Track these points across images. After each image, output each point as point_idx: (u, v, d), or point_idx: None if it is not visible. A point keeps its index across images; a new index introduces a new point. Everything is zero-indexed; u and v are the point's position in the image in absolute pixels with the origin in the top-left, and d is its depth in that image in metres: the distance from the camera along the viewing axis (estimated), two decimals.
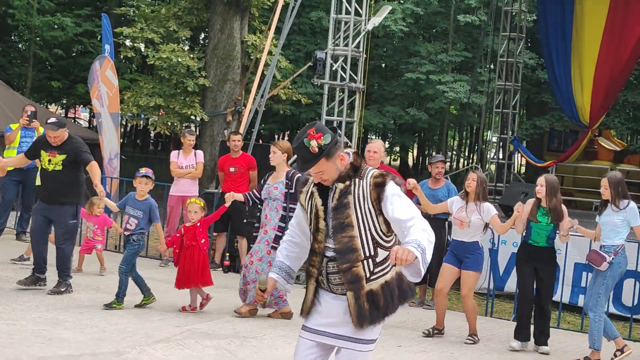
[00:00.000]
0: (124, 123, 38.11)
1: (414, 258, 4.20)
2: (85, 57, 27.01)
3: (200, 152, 12.97)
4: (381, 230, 4.56)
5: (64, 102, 34.75)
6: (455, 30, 24.54)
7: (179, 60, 18.75)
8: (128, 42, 23.04)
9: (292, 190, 9.06)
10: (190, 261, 9.07)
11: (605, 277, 8.39)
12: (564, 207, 8.64)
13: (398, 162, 41.52)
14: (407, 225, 4.40)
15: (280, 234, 8.92)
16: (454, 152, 44.78)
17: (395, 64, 26.72)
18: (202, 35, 27.05)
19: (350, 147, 15.39)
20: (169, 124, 19.37)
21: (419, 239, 4.30)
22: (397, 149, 34.89)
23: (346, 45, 15.05)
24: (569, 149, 20.35)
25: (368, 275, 4.53)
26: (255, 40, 19.44)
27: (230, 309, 9.38)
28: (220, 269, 12.39)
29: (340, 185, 4.54)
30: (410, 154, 40.93)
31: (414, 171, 39.02)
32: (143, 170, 9.28)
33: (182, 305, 9.26)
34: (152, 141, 49.01)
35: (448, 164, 39.17)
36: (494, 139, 22.46)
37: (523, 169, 30.12)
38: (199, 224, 9.13)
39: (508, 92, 20.36)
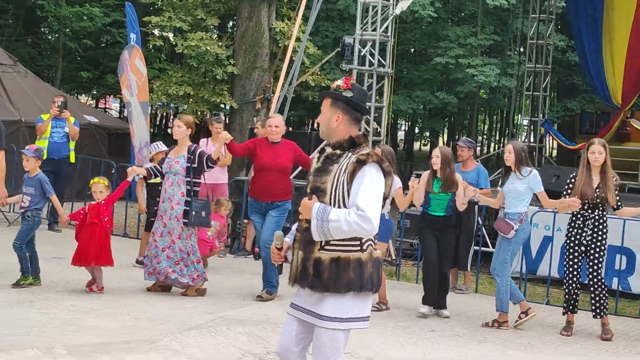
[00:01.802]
0: (154, 112, 38.18)
1: (306, 215, 4.47)
2: (114, 47, 27.09)
3: None
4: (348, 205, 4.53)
5: (94, 92, 34.90)
6: (484, 14, 24.32)
7: (208, 48, 18.73)
8: (156, 32, 23.12)
9: (195, 165, 9.13)
10: (90, 238, 9.01)
11: (510, 244, 8.77)
12: (458, 175, 9.21)
13: (428, 147, 41.32)
14: (349, 207, 4.48)
15: (188, 209, 9.07)
16: (485, 136, 44.45)
17: (423, 49, 26.56)
18: (230, 23, 27.04)
19: (379, 133, 15.34)
20: (198, 112, 19.38)
21: (332, 219, 4.41)
22: (427, 134, 34.62)
23: (374, 30, 14.98)
24: (600, 131, 20.15)
25: (323, 243, 4.53)
26: (283, 27, 19.37)
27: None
28: (252, 256, 12.40)
29: (329, 151, 4.63)
30: (440, 139, 40.65)
31: None
32: (26, 148, 9.38)
33: (89, 287, 9.16)
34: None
35: (478, 148, 38.93)
36: (525, 122, 22.29)
37: (554, 152, 29.86)
38: (103, 202, 9.12)
39: (538, 75, 20.18)
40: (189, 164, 9.12)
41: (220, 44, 19.44)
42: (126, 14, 16.19)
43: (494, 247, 13.44)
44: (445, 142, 41.03)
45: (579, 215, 8.69)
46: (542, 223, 12.07)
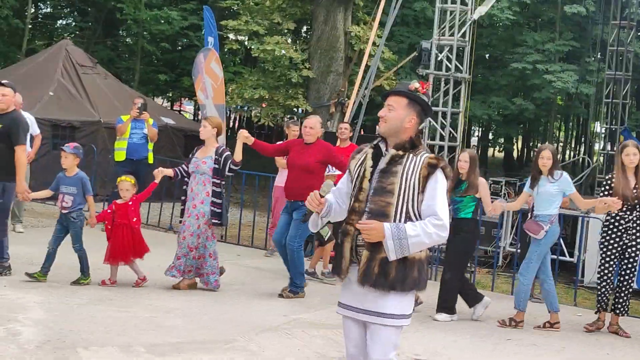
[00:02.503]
0: (228, 115, 38.57)
1: (378, 239, 4.44)
2: (191, 50, 27.44)
3: None
4: (417, 208, 4.57)
5: (169, 95, 35.41)
6: (562, 20, 23.97)
7: (283, 52, 18.87)
8: (231, 36, 23.33)
9: (221, 166, 9.13)
10: (122, 240, 9.07)
11: (539, 245, 8.81)
12: (482, 179, 9.14)
13: (503, 154, 40.91)
14: (426, 217, 4.54)
15: (217, 210, 9.14)
16: (561, 144, 43.83)
17: (499, 54, 26.30)
18: (305, 28, 27.15)
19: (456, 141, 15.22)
20: (273, 115, 19.52)
21: (411, 234, 4.46)
22: (502, 140, 34.28)
23: (452, 35, 14.89)
24: None
25: None
26: (359, 32, 19.40)
27: (334, 299, 9.37)
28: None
29: (393, 152, 4.62)
30: (515, 145, 40.24)
31: (518, 162, 38.37)
32: (65, 145, 9.31)
33: (102, 280, 9.20)
34: (255, 133, 49.49)
35: None
36: (602, 130, 21.91)
37: None
38: (130, 203, 9.16)
39: (618, 82, 19.79)
40: (216, 165, 9.19)
41: (295, 47, 19.55)
42: (204, 17, 16.33)
43: (571, 256, 13.29)
44: (519, 149, 40.71)
45: (617, 217, 8.77)
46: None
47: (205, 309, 8.46)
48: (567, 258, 13.33)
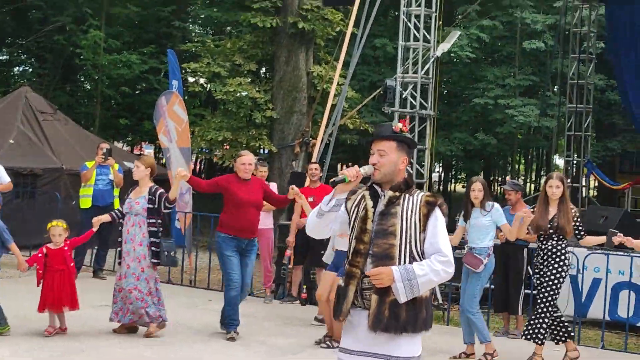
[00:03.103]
0: (192, 158, 38.37)
1: (384, 284, 4.48)
2: (151, 94, 27.26)
3: (273, 184, 12.85)
4: (420, 247, 4.63)
5: (129, 139, 35.15)
6: (522, 54, 24.23)
7: (246, 93, 18.80)
8: (190, 78, 23.25)
9: (155, 206, 9.04)
10: (61, 285, 8.86)
11: (480, 278, 8.98)
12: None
13: (464, 189, 41.07)
14: (430, 255, 4.60)
15: (155, 250, 9.04)
16: (522, 177, 44.16)
17: (460, 90, 26.50)
18: (263, 69, 27.14)
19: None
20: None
21: (420, 274, 4.51)
22: (463, 175, 34.48)
23: (415, 72, 14.93)
24: None
25: None
26: (321, 71, 19.42)
27: (310, 342, 9.23)
28: (298, 301, 12.25)
29: (390, 193, 4.67)
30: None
31: None
32: None
33: (46, 329, 8.95)
34: (218, 174, 49.24)
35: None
36: (560, 162, 22.10)
37: (591, 193, 29.49)
38: (66, 248, 8.98)
39: (579, 115, 19.98)
40: (150, 205, 9.07)
41: (258, 88, 19.51)
42: (168, 60, 16.25)
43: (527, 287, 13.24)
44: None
45: (538, 248, 9.03)
46: (592, 265, 11.82)
47: (180, 355, 8.27)
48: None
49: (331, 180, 4.78)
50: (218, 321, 9.59)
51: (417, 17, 15.18)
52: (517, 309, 10.99)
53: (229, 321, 9.36)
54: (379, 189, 4.75)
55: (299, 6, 19.20)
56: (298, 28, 18.95)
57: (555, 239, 8.81)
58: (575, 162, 20.02)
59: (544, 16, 22.81)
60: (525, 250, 11.24)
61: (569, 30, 20.18)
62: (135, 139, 34.99)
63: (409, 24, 15.20)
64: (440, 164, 39.28)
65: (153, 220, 9.10)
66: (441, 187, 40.11)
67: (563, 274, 8.81)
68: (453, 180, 43.41)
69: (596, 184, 24.20)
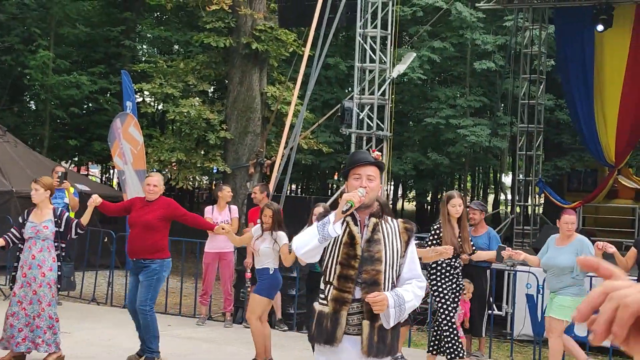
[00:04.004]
0: None
1: (384, 310, 4.61)
2: (100, 114, 26.97)
3: (235, 207, 12.73)
4: (397, 272, 4.82)
5: (75, 159, 34.72)
6: (472, 75, 24.48)
7: (199, 114, 18.69)
8: (139, 98, 23.01)
9: (61, 229, 8.83)
10: None
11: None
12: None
13: (414, 207, 41.31)
14: (411, 277, 4.81)
15: (59, 274, 8.81)
16: (469, 195, 44.53)
17: (412, 110, 26.66)
18: (211, 89, 27.00)
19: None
20: (192, 178, 19.25)
21: (407, 299, 4.70)
22: (413, 193, 34.68)
23: (372, 93, 14.96)
24: (595, 190, 20.17)
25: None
26: (275, 92, 19.39)
27: None
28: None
29: (374, 220, 4.80)
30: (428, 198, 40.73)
31: (430, 215, 38.78)
32: None
33: None
34: (173, 195, 48.82)
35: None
36: (507, 180, 22.32)
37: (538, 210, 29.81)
38: None
39: (530, 134, 20.20)
40: (57, 228, 8.78)
41: (212, 109, 19.40)
42: (122, 81, 16.12)
43: (499, 309, 13.33)
44: (430, 202, 41.16)
45: (449, 266, 9.13)
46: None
47: None
48: (496, 311, 13.36)
49: (342, 210, 4.74)
50: (179, 347, 9.44)
51: (373, 38, 15.23)
52: (480, 331, 11.02)
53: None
54: (357, 216, 4.81)
55: (252, 27, 19.17)
56: (252, 49, 18.91)
57: (456, 255, 9.02)
58: (524, 181, 20.22)
59: (494, 37, 23.08)
60: (488, 271, 11.31)
61: (519, 50, 20.43)
62: (82, 160, 34.54)
63: (364, 45, 15.24)
64: (391, 183, 39.54)
65: (57, 244, 8.80)
66: (392, 205, 40.27)
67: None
68: (402, 199, 43.57)
69: (542, 203, 24.45)
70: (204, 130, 19.02)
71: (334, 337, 4.71)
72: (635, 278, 9.68)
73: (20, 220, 8.92)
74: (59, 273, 8.79)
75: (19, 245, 8.95)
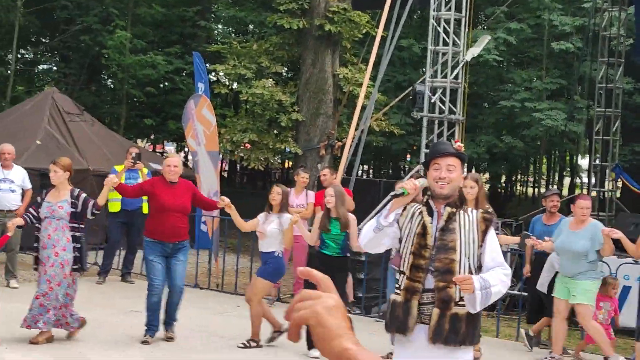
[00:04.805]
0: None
1: (472, 292, 4.61)
2: (175, 93, 27.32)
3: (312, 193, 12.75)
4: (476, 263, 4.82)
5: (152, 138, 35.27)
6: (549, 57, 24.03)
7: (272, 95, 18.75)
8: (213, 78, 23.17)
9: (79, 210, 8.85)
10: None
11: None
12: (351, 215, 9.17)
13: (488, 191, 40.87)
14: (493, 266, 4.81)
15: (77, 255, 8.82)
16: (544, 178, 43.91)
17: (487, 92, 26.32)
18: (285, 70, 27.08)
19: None
20: (263, 158, 19.36)
21: (493, 283, 4.68)
22: (487, 176, 34.27)
23: (444, 76, 14.82)
24: None
25: (457, 299, 4.75)
26: (347, 74, 19.34)
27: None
28: None
29: (449, 209, 4.83)
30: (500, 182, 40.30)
31: (504, 198, 38.36)
32: None
33: None
34: (244, 174, 49.27)
35: (537, 189, 38.44)
36: (584, 163, 21.92)
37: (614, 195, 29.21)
38: None
39: (607, 119, 19.78)
40: (73, 209, 8.84)
41: (284, 90, 19.45)
42: (194, 63, 16.22)
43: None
44: (503, 185, 40.75)
45: None
46: (622, 273, 11.66)
47: None
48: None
49: (391, 193, 4.82)
50: (249, 328, 9.53)
51: (447, 21, 15.06)
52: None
53: (148, 325, 9.26)
54: (433, 206, 4.88)
55: (326, 8, 19.12)
56: (324, 30, 18.87)
57: None
58: (600, 166, 19.81)
59: (571, 18, 22.60)
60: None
61: (597, 32, 19.98)
62: (158, 138, 35.07)
63: (438, 28, 15.08)
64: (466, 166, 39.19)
65: (76, 225, 8.87)
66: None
67: None
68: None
69: (619, 188, 23.95)
70: (276, 111, 19.08)
71: (406, 326, 4.77)
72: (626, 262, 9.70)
73: (39, 200, 9.07)
74: (77, 254, 8.84)
75: (37, 225, 9.00)
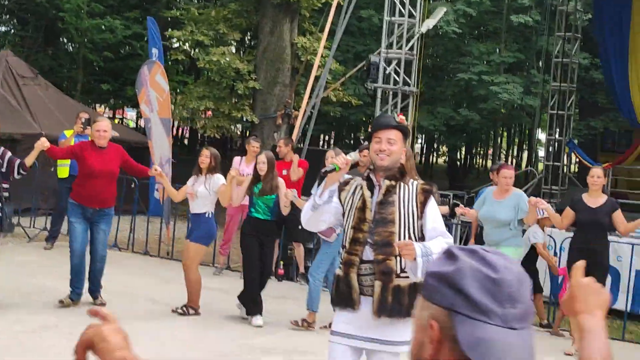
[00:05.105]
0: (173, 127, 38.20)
1: (412, 259, 4.57)
2: (134, 59, 27.01)
3: None
4: (418, 234, 4.81)
5: (112, 102, 34.92)
6: (508, 30, 24.11)
7: (229, 63, 18.64)
8: (175, 44, 22.98)
9: (3, 170, 8.78)
10: None
11: (330, 247, 8.89)
12: (280, 180, 9.31)
13: (446, 163, 41.10)
14: (435, 236, 4.77)
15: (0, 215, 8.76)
16: (503, 152, 44.23)
17: (445, 64, 26.40)
18: (247, 37, 26.91)
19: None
20: (218, 126, 19.28)
21: (435, 251, 4.60)
22: (444, 148, 34.49)
23: (399, 48, 14.81)
24: (626, 152, 19.88)
25: (398, 271, 4.73)
26: (305, 43, 19.26)
27: (287, 321, 9.19)
28: (273, 277, 12.20)
29: (387, 183, 4.81)
30: (458, 154, 40.50)
31: (462, 171, 38.60)
32: None
33: None
34: (204, 142, 49.02)
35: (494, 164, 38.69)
36: (543, 137, 22.11)
37: (572, 169, 29.51)
38: None
39: (563, 93, 19.93)
40: None
41: (242, 58, 19.35)
42: (148, 28, 16.06)
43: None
44: (462, 157, 40.98)
45: None
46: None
47: (156, 333, 8.20)
48: None
49: (322, 170, 4.84)
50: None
51: None
52: None
53: (71, 287, 9.17)
54: (374, 179, 4.88)
55: None
56: None
57: None
58: (555, 140, 19.99)
59: None
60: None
61: (555, 6, 20.06)
62: (117, 104, 34.76)
63: None
64: (422, 137, 39.32)
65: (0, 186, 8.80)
66: (423, 160, 40.14)
67: None
68: (434, 154, 43.40)
69: (576, 162, 24.20)
70: (234, 79, 18.98)
71: (351, 300, 4.79)
72: (571, 236, 9.76)
73: None
74: (0, 215, 8.71)
75: None
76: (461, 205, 9.55)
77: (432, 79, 26.56)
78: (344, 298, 4.83)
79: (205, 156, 9.39)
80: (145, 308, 9.43)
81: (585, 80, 23.91)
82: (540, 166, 21.40)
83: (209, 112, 19.82)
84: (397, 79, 14.77)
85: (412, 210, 4.81)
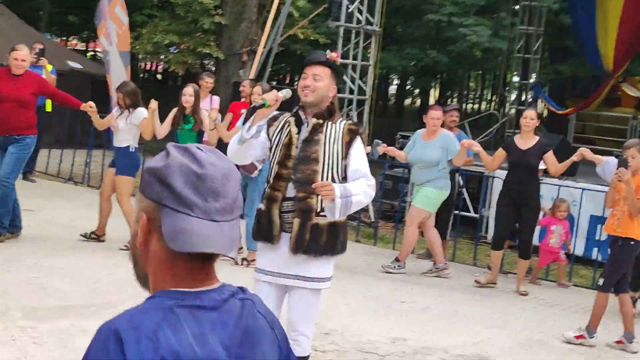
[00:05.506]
0: (138, 63, 37.74)
1: (331, 200, 4.63)
2: None
3: (216, 98, 12.49)
4: (341, 174, 4.83)
5: (84, 35, 34.48)
6: None
7: None
8: None
9: None
10: None
11: (257, 184, 8.87)
12: (204, 113, 9.29)
13: (418, 105, 41.06)
14: (357, 177, 4.80)
15: None
16: (475, 95, 44.25)
17: (416, 4, 26.11)
18: None
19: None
20: (183, 62, 19.08)
21: (354, 193, 4.71)
22: (417, 91, 34.41)
23: None
24: (590, 97, 19.90)
25: (318, 210, 4.77)
26: None
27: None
28: None
29: (314, 121, 4.82)
30: (431, 97, 40.43)
31: None
32: None
33: None
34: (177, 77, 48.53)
35: (470, 106, 38.75)
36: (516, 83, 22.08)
37: (545, 113, 29.54)
38: None
39: (531, 37, 19.85)
40: None
41: None
42: None
43: (476, 212, 13.26)
44: (436, 100, 40.91)
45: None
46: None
47: (94, 270, 8.19)
48: (471, 214, 13.36)
49: (250, 105, 4.85)
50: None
51: None
52: (445, 234, 10.82)
53: None
54: (302, 116, 4.88)
55: None
56: None
57: None
58: (520, 84, 19.98)
59: None
60: (457, 175, 11.21)
61: None
62: (90, 36, 34.31)
63: None
64: (396, 79, 39.20)
65: None
66: (396, 101, 40.06)
67: None
68: (407, 95, 43.28)
69: (547, 108, 24.24)
70: (199, 14, 18.72)
71: (271, 235, 4.83)
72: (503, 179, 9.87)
73: None
74: None
75: None
76: (383, 144, 9.51)
77: (401, 19, 26.28)
78: (264, 233, 4.88)
79: (121, 99, 9.31)
80: (89, 245, 9.37)
81: (555, 24, 23.78)
82: (513, 111, 21.41)
83: (183, 45, 19.58)
84: (360, 18, 14.61)
85: (337, 150, 4.81)
